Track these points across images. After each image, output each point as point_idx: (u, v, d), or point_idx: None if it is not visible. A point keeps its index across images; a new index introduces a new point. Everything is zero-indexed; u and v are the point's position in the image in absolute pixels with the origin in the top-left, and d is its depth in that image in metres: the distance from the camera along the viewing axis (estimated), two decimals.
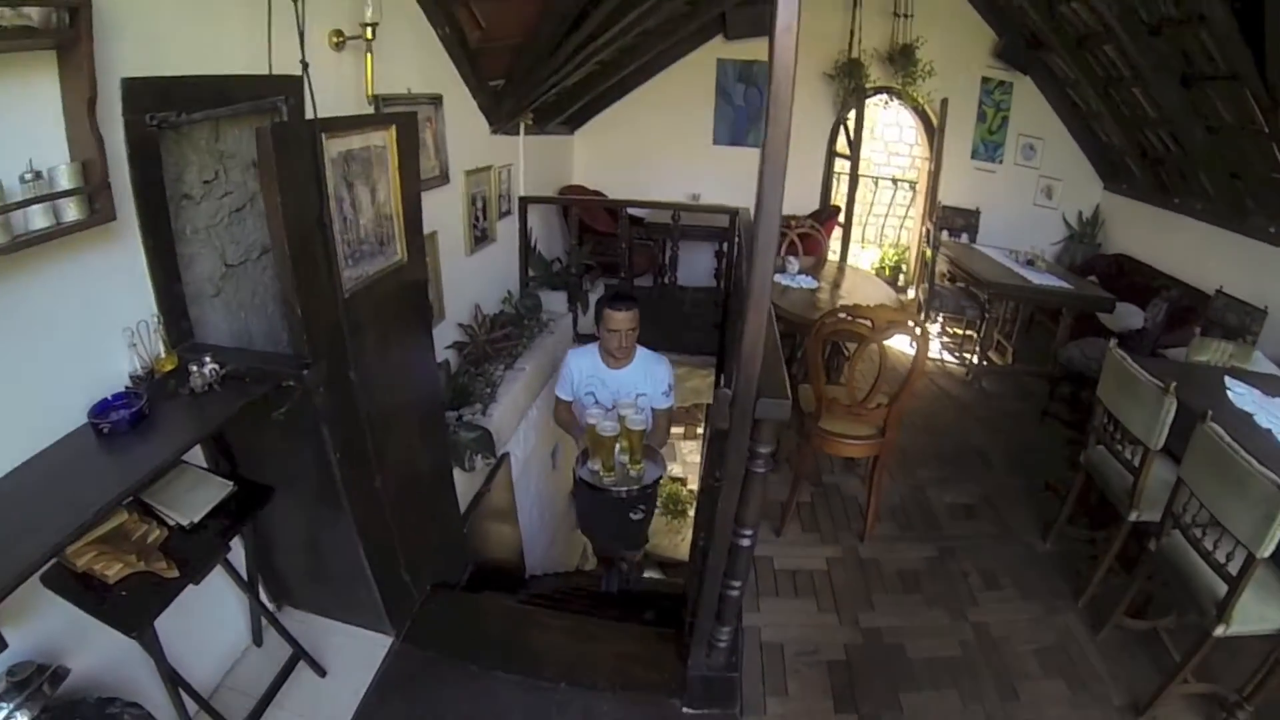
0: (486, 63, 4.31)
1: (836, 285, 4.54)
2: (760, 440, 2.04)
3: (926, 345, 2.95)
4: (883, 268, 6.83)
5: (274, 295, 2.40)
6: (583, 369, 3.19)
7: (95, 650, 1.94)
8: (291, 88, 2.41)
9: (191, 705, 2.20)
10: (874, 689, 2.62)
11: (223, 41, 2.28)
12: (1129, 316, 4.71)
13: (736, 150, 6.54)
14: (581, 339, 5.07)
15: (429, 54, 3.86)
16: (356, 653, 2.68)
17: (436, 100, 3.96)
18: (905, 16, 5.83)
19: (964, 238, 6.03)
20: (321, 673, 2.59)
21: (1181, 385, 2.59)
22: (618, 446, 2.89)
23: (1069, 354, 4.34)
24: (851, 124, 5.75)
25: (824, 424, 3.21)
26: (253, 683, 2.47)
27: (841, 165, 6.31)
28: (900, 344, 5.27)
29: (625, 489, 2.93)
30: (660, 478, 3.09)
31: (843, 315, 3.00)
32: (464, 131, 4.36)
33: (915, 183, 6.66)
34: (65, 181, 1.75)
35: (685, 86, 6.39)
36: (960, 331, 5.52)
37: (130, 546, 1.79)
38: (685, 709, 2.44)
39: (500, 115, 4.73)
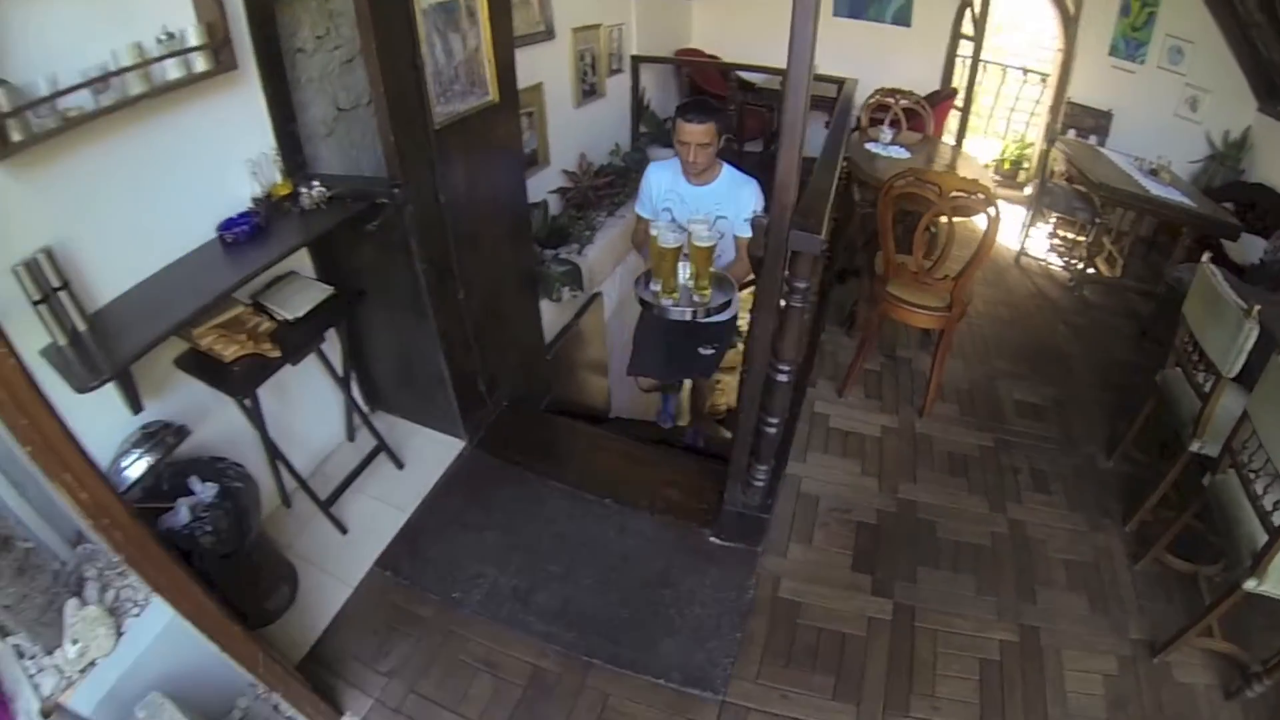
0: None
1: (931, 161, 4.39)
2: (797, 274, 2.16)
3: (998, 222, 2.87)
4: (1003, 160, 6.44)
5: (380, 135, 2.66)
6: (662, 183, 2.87)
7: (214, 424, 2.40)
8: None
9: (289, 482, 2.71)
10: (895, 557, 2.70)
11: None
12: (1256, 250, 4.26)
13: (855, 23, 6.27)
14: None
15: None
16: (432, 452, 3.10)
17: None
18: None
19: (1092, 139, 5.51)
20: (399, 465, 3.03)
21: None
22: (683, 268, 2.57)
23: (1178, 275, 3.95)
24: (977, 5, 5.33)
25: (891, 289, 3.22)
26: (342, 471, 2.93)
27: (968, 48, 5.88)
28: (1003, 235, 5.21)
29: (689, 310, 2.57)
30: (729, 305, 2.72)
31: (911, 179, 2.97)
32: None
33: (1047, 76, 6.10)
34: (193, 39, 2.10)
35: None
36: (1072, 236, 5.20)
37: (244, 333, 2.21)
38: (712, 538, 2.68)
39: None
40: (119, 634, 1.92)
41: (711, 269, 2.56)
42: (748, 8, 6.37)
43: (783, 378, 2.40)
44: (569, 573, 2.56)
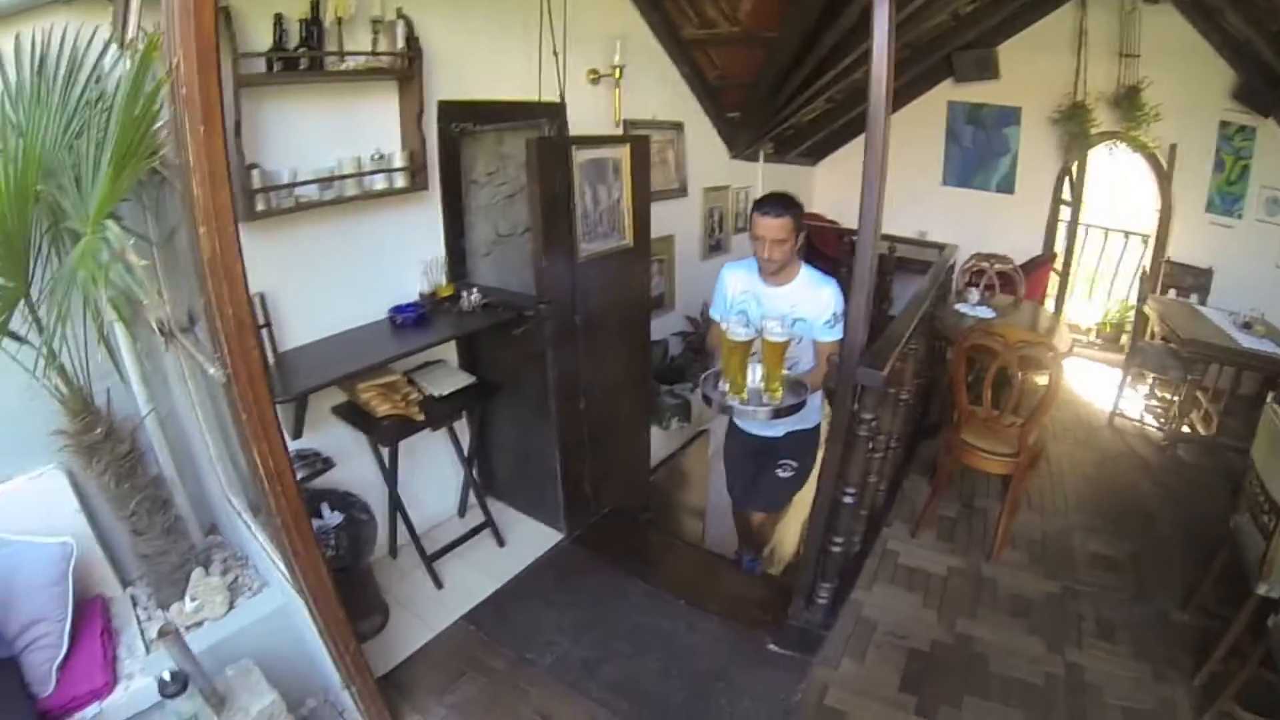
0: (724, 97, 5.04)
1: (1035, 325, 4.62)
2: (864, 406, 2.44)
3: (1060, 372, 3.06)
4: (1104, 324, 6.51)
5: (529, 263, 3.18)
6: (737, 283, 2.78)
7: (349, 470, 2.88)
8: (555, 111, 3.30)
9: (400, 538, 3.17)
10: (943, 684, 2.73)
11: (506, 79, 3.21)
12: None
13: (963, 192, 6.64)
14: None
15: (672, 88, 4.67)
16: (532, 538, 3.47)
17: (678, 127, 4.79)
18: (1132, 56, 5.48)
19: (1193, 298, 5.54)
20: (500, 543, 3.42)
21: None
22: (754, 369, 2.44)
23: None
24: (1075, 171, 5.63)
25: (964, 435, 3.42)
26: (448, 538, 3.33)
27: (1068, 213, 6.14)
28: (1097, 395, 5.42)
29: (758, 410, 2.46)
30: (801, 405, 2.49)
31: (980, 332, 3.25)
32: (704, 154, 5.14)
33: (1148, 237, 6.22)
34: (398, 162, 2.79)
35: (917, 127, 6.56)
36: (1169, 396, 5.18)
37: (398, 398, 2.73)
38: (771, 645, 2.85)
39: (738, 143, 5.44)
40: (231, 607, 2.33)
41: (785, 371, 2.47)
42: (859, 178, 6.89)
43: (848, 500, 2.63)
44: (636, 654, 2.78)
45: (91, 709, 2.03)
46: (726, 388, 2.48)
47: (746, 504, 3.29)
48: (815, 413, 2.86)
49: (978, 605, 3.21)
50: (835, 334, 2.63)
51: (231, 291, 1.63)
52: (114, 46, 2.11)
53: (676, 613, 3.01)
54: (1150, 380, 5.25)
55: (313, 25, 2.47)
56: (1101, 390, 5.46)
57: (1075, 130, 5.77)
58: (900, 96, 6.42)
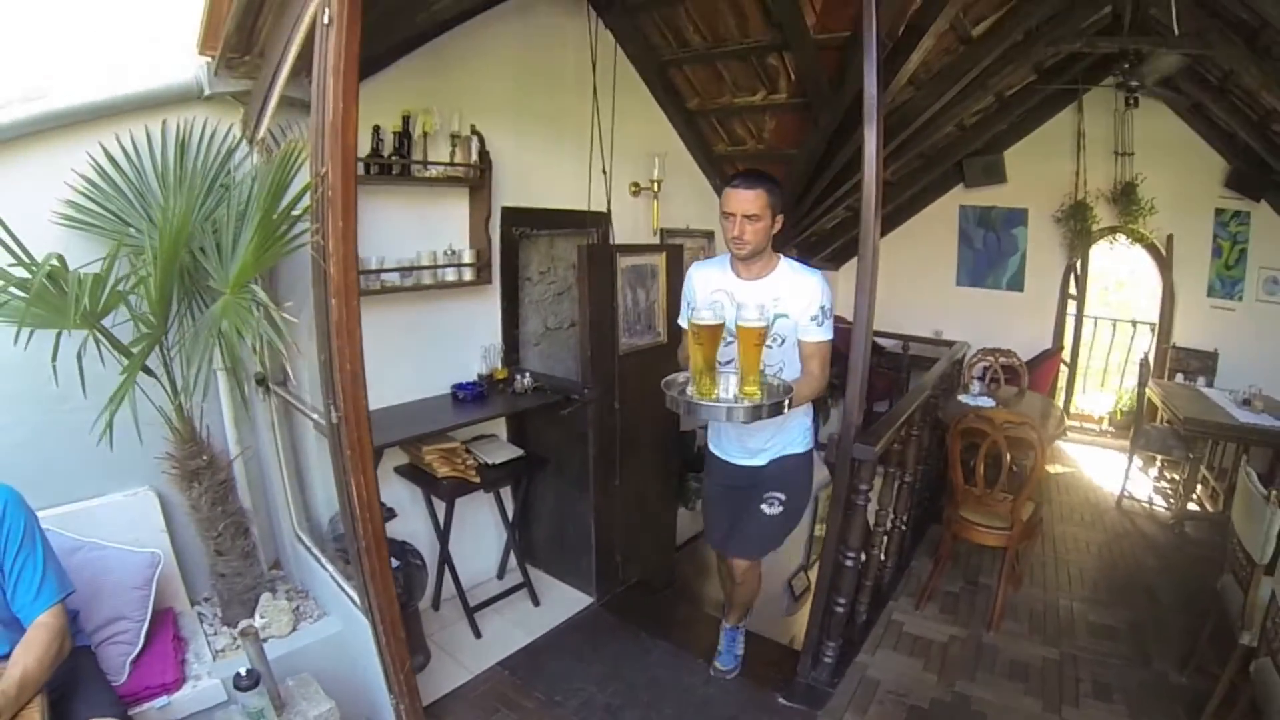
0: None
1: (1046, 414, 4.92)
2: (860, 478, 2.76)
3: (1044, 450, 3.39)
4: (1116, 411, 6.75)
5: (573, 355, 3.64)
6: (708, 282, 2.43)
7: (406, 525, 3.25)
8: (601, 219, 3.82)
9: (444, 592, 3.52)
10: None
11: (560, 190, 3.74)
12: None
13: (976, 291, 7.07)
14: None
15: (705, 199, 5.18)
16: (564, 600, 3.79)
17: (709, 235, 5.30)
18: (1127, 155, 5.92)
19: (1200, 381, 5.75)
20: (535, 603, 3.74)
21: None
22: (729, 378, 2.13)
23: None
24: (1079, 266, 6.02)
25: (961, 511, 3.70)
26: (486, 595, 3.67)
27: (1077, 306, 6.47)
28: (1107, 481, 5.62)
29: (727, 409, 2.09)
30: (780, 409, 2.09)
31: (971, 416, 3.60)
32: None
33: (1155, 325, 6.48)
34: (467, 258, 3.27)
35: (931, 232, 7.06)
36: (1176, 477, 5.36)
37: (458, 461, 3.17)
38: (780, 699, 3.08)
39: None
40: (294, 629, 2.66)
41: (766, 374, 2.19)
42: (882, 281, 7.29)
43: (849, 563, 2.92)
44: (655, 703, 3.03)
45: (160, 700, 2.28)
46: (692, 390, 2.16)
47: (728, 547, 2.89)
48: (805, 436, 2.62)
49: (977, 669, 3.38)
50: (823, 333, 2.37)
51: (351, 350, 2.04)
52: (244, 144, 2.61)
53: (694, 669, 3.26)
54: (1158, 462, 5.46)
55: (404, 137, 2.99)
56: (1112, 476, 5.67)
57: (1078, 227, 6.21)
58: (914, 203, 6.96)
